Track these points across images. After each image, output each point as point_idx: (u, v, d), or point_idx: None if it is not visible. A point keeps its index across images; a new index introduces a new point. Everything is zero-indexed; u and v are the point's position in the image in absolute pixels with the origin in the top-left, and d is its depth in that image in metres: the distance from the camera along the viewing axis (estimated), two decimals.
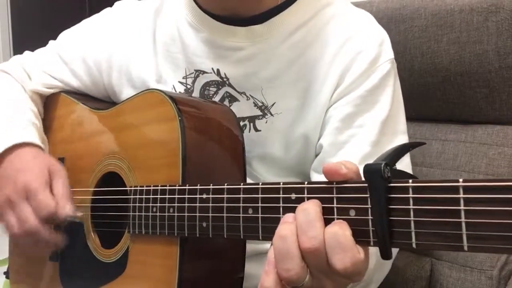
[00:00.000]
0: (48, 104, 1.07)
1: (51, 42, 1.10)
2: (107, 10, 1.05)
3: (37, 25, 3.42)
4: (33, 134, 0.94)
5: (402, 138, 0.85)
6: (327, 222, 0.53)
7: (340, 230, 0.51)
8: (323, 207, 0.54)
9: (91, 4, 3.11)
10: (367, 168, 0.49)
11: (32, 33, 3.36)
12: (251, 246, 0.84)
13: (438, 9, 1.07)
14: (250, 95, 0.88)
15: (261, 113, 0.87)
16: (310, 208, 0.53)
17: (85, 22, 1.07)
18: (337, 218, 0.52)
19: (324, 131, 0.85)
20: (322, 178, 0.83)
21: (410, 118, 1.06)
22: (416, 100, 1.11)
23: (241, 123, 0.87)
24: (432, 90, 1.10)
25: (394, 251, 0.78)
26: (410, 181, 0.47)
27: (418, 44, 1.09)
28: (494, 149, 1.04)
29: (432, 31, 1.07)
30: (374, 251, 0.74)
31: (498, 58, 1.00)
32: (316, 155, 0.87)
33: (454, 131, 1.11)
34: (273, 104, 0.87)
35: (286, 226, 0.54)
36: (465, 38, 1.03)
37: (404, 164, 0.83)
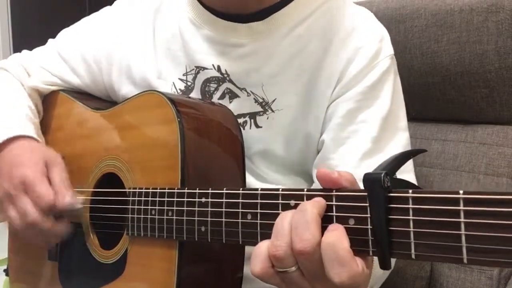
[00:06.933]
0: (47, 103, 1.06)
1: (50, 40, 1.09)
2: (107, 8, 1.05)
3: (37, 24, 3.42)
4: (31, 129, 0.94)
5: (403, 135, 0.85)
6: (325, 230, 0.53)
7: (338, 241, 0.50)
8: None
9: (91, 3, 3.09)
10: (367, 177, 0.49)
11: (32, 32, 3.35)
12: (251, 248, 0.83)
13: (438, 9, 1.06)
14: (251, 91, 0.87)
15: (262, 110, 0.87)
16: (308, 209, 0.53)
17: (85, 20, 1.07)
18: None
19: (325, 127, 0.85)
20: None
21: (410, 118, 1.06)
22: (416, 100, 1.11)
23: (242, 120, 0.87)
24: (432, 90, 1.10)
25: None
26: (410, 191, 0.47)
27: (418, 44, 1.09)
28: (494, 149, 1.04)
29: (432, 31, 1.07)
30: None
31: (498, 58, 1.00)
32: (318, 152, 0.87)
33: (454, 131, 1.11)
34: (273, 100, 0.86)
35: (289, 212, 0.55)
36: (465, 38, 1.03)
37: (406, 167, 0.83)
